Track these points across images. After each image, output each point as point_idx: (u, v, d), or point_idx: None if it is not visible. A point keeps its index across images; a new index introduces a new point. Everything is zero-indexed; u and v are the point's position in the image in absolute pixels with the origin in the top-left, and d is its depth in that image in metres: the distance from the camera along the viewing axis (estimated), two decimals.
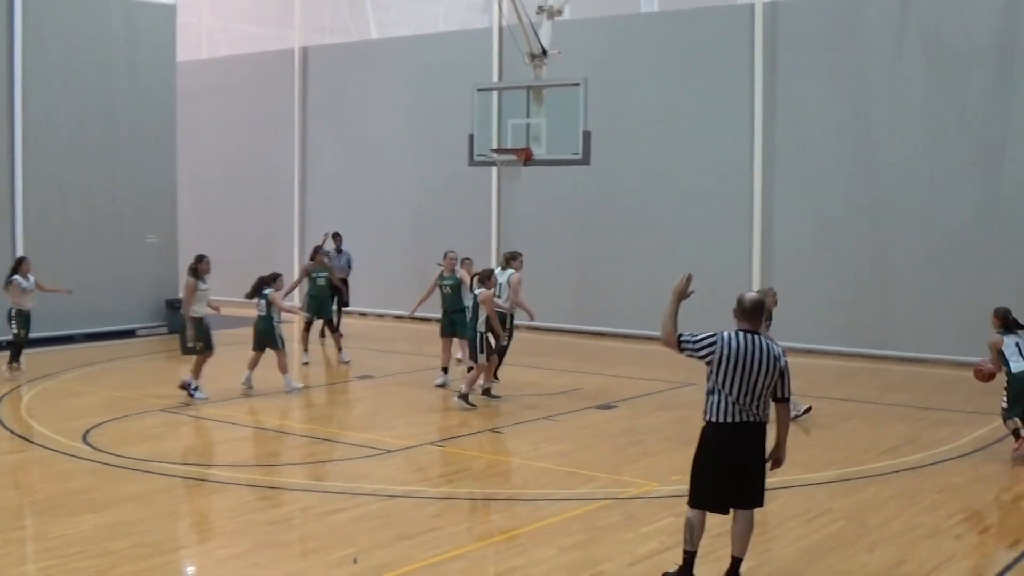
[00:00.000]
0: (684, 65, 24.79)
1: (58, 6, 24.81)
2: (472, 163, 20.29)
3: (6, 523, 11.32)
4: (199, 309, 17.77)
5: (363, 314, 27.91)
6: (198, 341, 17.67)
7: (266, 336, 18.52)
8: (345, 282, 24.50)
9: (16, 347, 20.33)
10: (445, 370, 19.40)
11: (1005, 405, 14.12)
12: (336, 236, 24.76)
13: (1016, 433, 14.08)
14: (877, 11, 22.84)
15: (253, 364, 18.71)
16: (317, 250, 22.55)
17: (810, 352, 22.15)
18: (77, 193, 24.99)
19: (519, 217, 27.05)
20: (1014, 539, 10.79)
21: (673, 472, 12.72)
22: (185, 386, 17.62)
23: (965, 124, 21.84)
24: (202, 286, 17.81)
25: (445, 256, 19.79)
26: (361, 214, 29.28)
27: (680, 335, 9.21)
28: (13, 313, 20.32)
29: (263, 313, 18.50)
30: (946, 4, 22.17)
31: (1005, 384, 14.16)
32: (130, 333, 25.28)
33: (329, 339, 23.29)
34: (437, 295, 19.72)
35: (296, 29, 31.64)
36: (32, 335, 20.98)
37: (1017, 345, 14.17)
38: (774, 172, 23.63)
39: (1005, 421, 14.23)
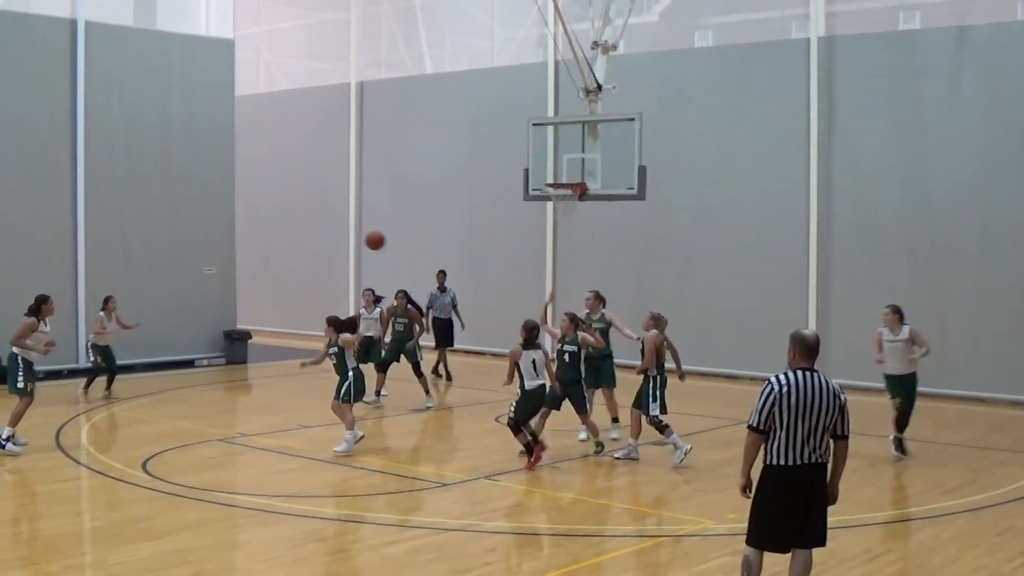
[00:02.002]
0: (739, 100, 24.74)
1: (119, 42, 25.23)
2: (527, 198, 20.34)
3: (67, 550, 11.48)
4: (32, 353, 16.28)
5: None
6: (28, 382, 16.15)
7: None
8: (450, 321, 24.34)
9: (92, 374, 21.39)
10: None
11: (512, 414, 15.37)
12: (440, 274, 24.45)
13: (528, 446, 15.35)
14: (933, 46, 22.75)
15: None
16: (401, 294, 21.69)
17: (866, 390, 21.99)
18: (137, 226, 25.31)
19: (573, 252, 27.05)
20: None
21: (729, 510, 12.69)
22: (1, 442, 15.88)
23: (1022, 160, 21.71)
24: (43, 328, 16.38)
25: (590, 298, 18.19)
26: (415, 248, 29.40)
27: (748, 425, 9.04)
28: (89, 345, 21.45)
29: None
30: (1002, 38, 22.07)
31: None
32: (189, 363, 25.49)
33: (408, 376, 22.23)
34: None
35: (353, 64, 31.88)
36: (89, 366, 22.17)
37: (533, 362, 15.36)
38: (830, 208, 23.51)
39: (516, 434, 15.44)
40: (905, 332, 16.07)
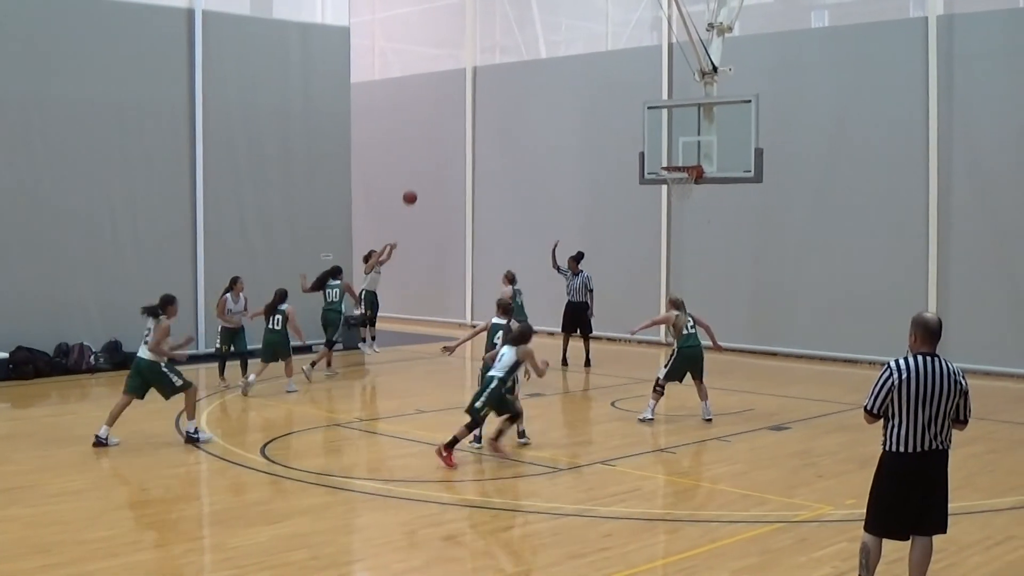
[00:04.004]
0: (856, 81, 24.24)
1: (236, 31, 25.56)
2: (643, 181, 20.26)
3: (186, 533, 11.69)
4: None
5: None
6: (179, 376, 15.66)
7: (279, 347, 20.63)
8: (584, 305, 23.94)
9: (221, 360, 21.34)
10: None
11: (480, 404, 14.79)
12: (571, 259, 23.99)
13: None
14: None
15: (260, 371, 20.35)
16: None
17: (986, 374, 21.60)
18: (255, 213, 25.67)
19: (688, 236, 26.84)
20: None
21: (848, 496, 12.55)
22: (192, 436, 15.68)
23: None
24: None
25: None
26: (530, 232, 29.39)
27: (864, 407, 8.95)
28: (219, 328, 21.30)
29: (278, 328, 20.52)
30: None
31: None
32: (306, 349, 25.61)
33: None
34: None
35: (467, 49, 31.93)
36: (210, 351, 22.85)
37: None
38: (950, 189, 22.99)
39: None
40: None
